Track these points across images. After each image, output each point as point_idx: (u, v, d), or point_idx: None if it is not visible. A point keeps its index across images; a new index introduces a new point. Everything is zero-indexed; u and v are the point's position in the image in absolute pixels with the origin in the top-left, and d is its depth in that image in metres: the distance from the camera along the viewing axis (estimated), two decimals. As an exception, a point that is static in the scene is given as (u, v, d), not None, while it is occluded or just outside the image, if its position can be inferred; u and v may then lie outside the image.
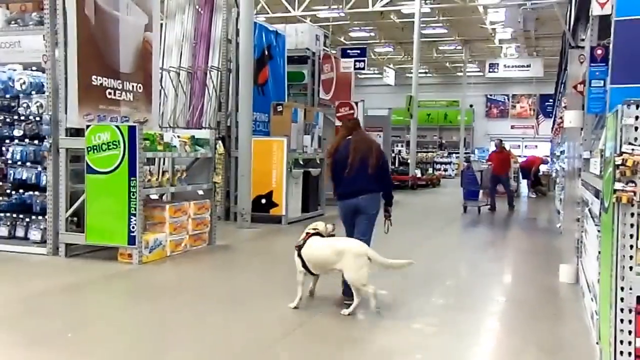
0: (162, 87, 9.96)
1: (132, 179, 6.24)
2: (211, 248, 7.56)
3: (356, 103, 13.38)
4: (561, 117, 9.71)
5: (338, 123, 13.04)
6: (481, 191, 12.83)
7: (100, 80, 6.70)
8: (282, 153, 9.83)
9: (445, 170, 28.60)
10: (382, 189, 5.09)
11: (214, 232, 7.74)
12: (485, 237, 9.50)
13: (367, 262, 4.52)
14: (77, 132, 6.60)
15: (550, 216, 12.52)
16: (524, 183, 18.73)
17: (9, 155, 6.85)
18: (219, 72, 10.44)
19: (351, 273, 4.54)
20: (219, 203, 8.78)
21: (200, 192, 7.55)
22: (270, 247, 8.16)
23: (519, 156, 23.73)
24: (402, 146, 27.35)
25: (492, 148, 14.32)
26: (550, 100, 25.06)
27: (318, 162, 11.21)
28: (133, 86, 7.18)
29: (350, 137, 5.19)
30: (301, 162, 10.71)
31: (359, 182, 4.99)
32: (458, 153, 29.34)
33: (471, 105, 33.24)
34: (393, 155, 21.42)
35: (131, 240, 6.20)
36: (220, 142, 7.82)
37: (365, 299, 4.67)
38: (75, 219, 6.73)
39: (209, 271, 6.40)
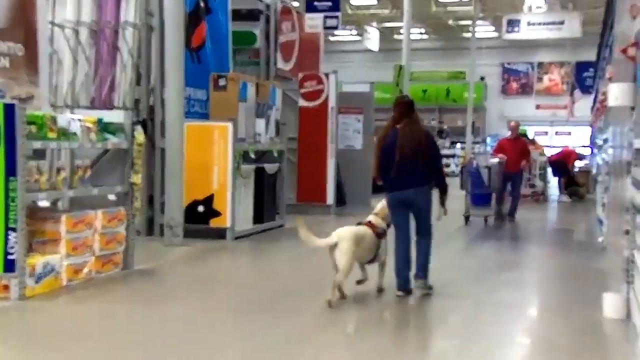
0: (53, 49, 9.65)
1: (10, 178, 6.12)
2: (127, 275, 7.50)
3: (327, 75, 13.24)
4: (605, 93, 9.86)
5: (303, 103, 13.08)
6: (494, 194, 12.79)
7: (-39, 38, 6.45)
8: (226, 143, 9.85)
9: (448, 165, 28.70)
10: (435, 181, 6.68)
11: (131, 252, 7.68)
12: (502, 256, 9.69)
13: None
14: None
15: (589, 227, 12.66)
16: (554, 182, 19.15)
17: None
18: (136, 31, 10.18)
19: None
20: (139, 212, 8.64)
21: (112, 197, 7.50)
22: (211, 272, 8.20)
23: (547, 147, 23.87)
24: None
25: (507, 134, 14.31)
26: (591, 69, 25.37)
27: (276, 155, 11.27)
28: (9, 47, 7.07)
29: (397, 126, 6.54)
30: (253, 156, 10.71)
31: (407, 177, 6.42)
32: (464, 143, 29.19)
33: (482, 78, 33.58)
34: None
35: (8, 266, 6.12)
36: (139, 127, 7.80)
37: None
38: None
39: (123, 308, 6.33)
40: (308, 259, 7.84)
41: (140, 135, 7.67)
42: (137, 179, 7.64)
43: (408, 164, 6.40)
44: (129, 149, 7.57)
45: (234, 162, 9.91)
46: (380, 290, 6.62)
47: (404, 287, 6.53)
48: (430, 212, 6.62)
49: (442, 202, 6.82)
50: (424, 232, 6.65)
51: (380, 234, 6.48)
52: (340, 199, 13.55)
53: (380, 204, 6.64)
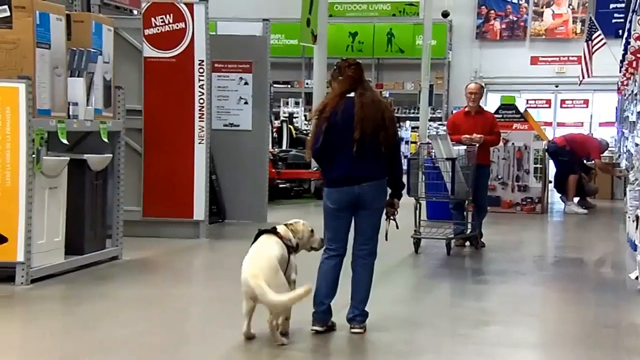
0: None
1: None
2: None
3: (191, 7, 12.12)
4: (640, 37, 10.16)
5: (151, 52, 12.34)
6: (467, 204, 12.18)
7: None
8: (15, 119, 9.16)
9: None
10: (391, 174, 7.01)
11: None
12: (475, 303, 9.19)
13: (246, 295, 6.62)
14: None
15: (615, 254, 12.16)
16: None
17: None
18: None
19: None
20: None
21: None
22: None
23: (548, 125, 23.01)
24: (296, 105, 26.03)
25: (463, 103, 13.22)
26: None
27: (106, 140, 10.42)
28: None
29: (352, 95, 6.89)
30: (65, 141, 9.94)
31: (363, 164, 6.79)
32: (417, 120, 27.87)
33: (446, 14, 31.09)
34: (277, 123, 20.53)
35: None
36: None
37: None
38: None
39: None
40: (168, 313, 7.66)
41: None
42: None
43: (367, 147, 6.79)
44: None
45: (29, 151, 9.16)
46: (286, 319, 6.93)
47: (323, 319, 6.81)
48: (380, 219, 7.01)
49: (393, 210, 7.11)
50: (368, 249, 6.98)
51: (290, 249, 6.75)
52: (217, 212, 12.53)
53: (296, 221, 6.90)
